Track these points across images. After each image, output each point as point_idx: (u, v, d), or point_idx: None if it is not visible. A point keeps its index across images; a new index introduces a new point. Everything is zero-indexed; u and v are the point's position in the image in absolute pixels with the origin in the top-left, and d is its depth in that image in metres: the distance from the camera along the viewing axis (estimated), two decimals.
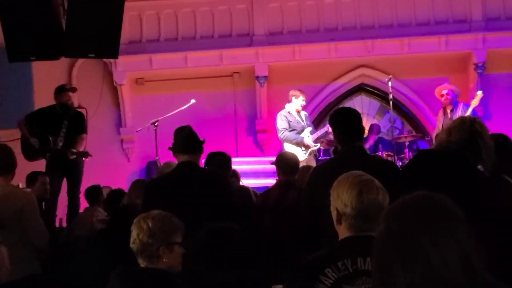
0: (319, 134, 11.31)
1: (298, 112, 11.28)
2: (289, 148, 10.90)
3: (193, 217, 4.19)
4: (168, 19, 14.12)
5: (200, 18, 14.10)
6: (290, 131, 11.09)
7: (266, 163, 11.83)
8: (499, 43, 13.55)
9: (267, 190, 7.49)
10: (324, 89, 14.44)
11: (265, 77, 13.90)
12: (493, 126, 10.81)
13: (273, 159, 7.71)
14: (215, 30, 14.09)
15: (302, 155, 10.79)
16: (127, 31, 13.32)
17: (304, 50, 13.78)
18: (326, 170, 5.06)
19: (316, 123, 14.40)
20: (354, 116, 5.16)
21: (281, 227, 6.52)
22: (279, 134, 11.17)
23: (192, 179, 5.47)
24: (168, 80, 14.07)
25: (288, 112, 11.23)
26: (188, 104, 11.68)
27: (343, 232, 3.23)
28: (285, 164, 7.29)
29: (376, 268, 2.01)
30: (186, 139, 5.63)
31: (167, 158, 9.02)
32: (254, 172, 11.87)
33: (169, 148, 5.71)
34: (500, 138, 5.30)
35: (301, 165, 7.96)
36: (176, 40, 14.06)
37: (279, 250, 6.15)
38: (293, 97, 11.24)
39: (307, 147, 11.05)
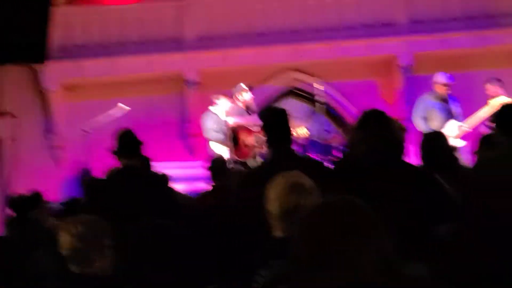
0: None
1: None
2: (216, 147, 11.04)
3: (135, 220, 4.21)
4: (97, 25, 14.03)
5: (129, 24, 14.04)
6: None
7: (197, 167, 11.86)
8: (424, 46, 13.81)
9: (203, 195, 7.52)
10: (254, 93, 14.49)
11: (195, 82, 13.92)
12: None
13: (204, 163, 7.76)
14: (145, 36, 14.05)
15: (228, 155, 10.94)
16: (57, 37, 13.19)
17: (234, 55, 13.84)
18: (256, 172, 5.10)
19: None
20: (282, 118, 5.10)
21: (219, 231, 6.55)
22: (208, 134, 11.25)
23: (135, 182, 5.48)
24: (98, 86, 13.97)
25: (215, 113, 11.33)
26: (120, 110, 11.62)
27: (275, 232, 3.29)
28: (218, 168, 7.35)
29: (294, 271, 2.02)
30: (128, 143, 5.64)
31: (99, 164, 8.98)
32: (184, 177, 11.88)
33: (112, 151, 5.70)
34: (430, 136, 5.44)
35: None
36: (106, 45, 13.98)
37: (217, 253, 6.18)
38: (217, 100, 11.38)
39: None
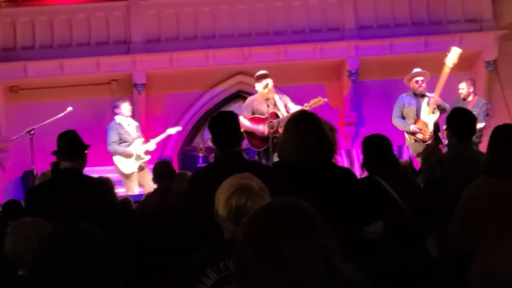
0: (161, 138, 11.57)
1: (129, 121, 11.38)
2: (119, 160, 10.97)
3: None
4: (43, 26, 13.87)
5: (76, 25, 13.91)
6: (121, 143, 11.09)
7: None
8: (371, 51, 13.96)
9: (146, 197, 7.51)
10: (202, 96, 14.51)
11: (143, 84, 13.84)
12: (367, 132, 11.14)
13: (151, 166, 7.75)
14: (92, 37, 13.93)
15: (134, 166, 10.95)
16: (1, 38, 13.00)
17: (182, 58, 13.81)
18: (204, 174, 5.09)
19: (195, 131, 14.47)
20: (232, 121, 5.11)
21: (163, 232, 6.53)
22: (108, 147, 11.17)
23: (74, 185, 5.41)
24: (44, 88, 13.81)
25: (119, 123, 11.24)
26: (65, 112, 11.52)
27: (225, 233, 3.30)
28: (161, 171, 7.34)
29: (238, 273, 2.01)
30: (69, 145, 5.55)
31: (44, 166, 8.87)
32: None
33: (53, 153, 5.62)
34: (374, 139, 5.50)
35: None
36: (52, 47, 13.83)
37: (161, 255, 6.17)
38: (117, 109, 11.33)
39: (138, 157, 11.11)
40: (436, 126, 10.46)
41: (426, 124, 10.37)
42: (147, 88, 13.88)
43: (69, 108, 11.61)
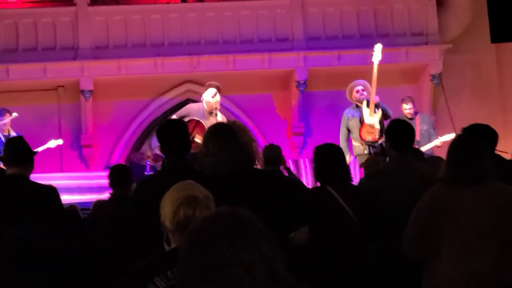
0: None
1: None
2: None
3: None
4: None
5: (22, 30, 13.74)
6: None
7: (91, 178, 11.72)
8: (320, 62, 14.04)
9: (101, 203, 7.42)
10: (150, 104, 14.43)
11: (91, 91, 13.71)
12: (314, 142, 11.20)
13: (98, 174, 7.66)
14: (39, 43, 13.77)
15: None
16: None
17: (130, 65, 13.72)
18: (151, 182, 5.05)
19: (142, 139, 14.38)
20: (180, 128, 5.09)
21: (116, 240, 6.47)
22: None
23: (21, 191, 5.34)
24: None
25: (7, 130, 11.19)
26: (10, 118, 11.36)
27: (172, 243, 3.29)
28: (118, 176, 7.26)
29: (182, 283, 2.03)
30: (16, 150, 5.48)
31: None
32: (79, 188, 11.72)
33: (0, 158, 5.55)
34: (325, 149, 5.54)
35: None
36: None
37: (114, 262, 6.12)
38: (3, 117, 11.23)
39: None
40: (382, 124, 10.47)
41: (372, 125, 10.43)
42: (94, 95, 13.76)
43: (15, 114, 11.47)
